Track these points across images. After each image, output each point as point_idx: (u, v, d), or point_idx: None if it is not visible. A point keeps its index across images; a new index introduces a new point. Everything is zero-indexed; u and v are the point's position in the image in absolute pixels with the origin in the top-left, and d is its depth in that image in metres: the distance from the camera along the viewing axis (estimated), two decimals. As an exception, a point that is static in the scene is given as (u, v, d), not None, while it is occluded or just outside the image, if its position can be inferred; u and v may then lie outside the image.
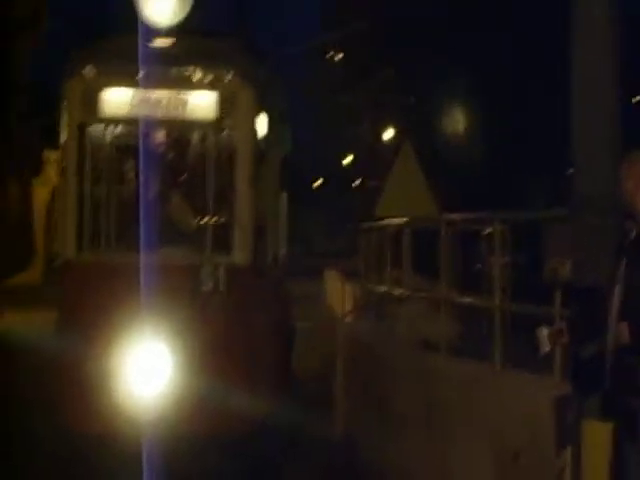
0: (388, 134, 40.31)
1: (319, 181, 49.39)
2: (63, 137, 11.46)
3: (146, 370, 10.45)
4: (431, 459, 10.71)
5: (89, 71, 11.09)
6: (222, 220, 11.14)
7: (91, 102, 11.08)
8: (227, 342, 10.50)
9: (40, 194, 25.44)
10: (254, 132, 11.13)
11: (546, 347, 7.71)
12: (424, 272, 14.01)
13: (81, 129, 11.18)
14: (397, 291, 14.36)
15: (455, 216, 12.98)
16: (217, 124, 11.22)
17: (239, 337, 10.68)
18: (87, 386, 10.44)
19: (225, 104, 11.00)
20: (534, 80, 28.00)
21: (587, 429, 7.44)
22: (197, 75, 10.98)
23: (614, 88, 8.75)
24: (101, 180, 11.51)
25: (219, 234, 11.09)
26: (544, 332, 7.70)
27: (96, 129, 11.37)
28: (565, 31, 9.09)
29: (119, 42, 11.47)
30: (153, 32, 11.17)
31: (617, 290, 6.71)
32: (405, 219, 14.68)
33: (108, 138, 11.56)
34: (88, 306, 10.74)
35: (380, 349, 13.54)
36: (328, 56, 46.39)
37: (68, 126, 11.23)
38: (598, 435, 7.23)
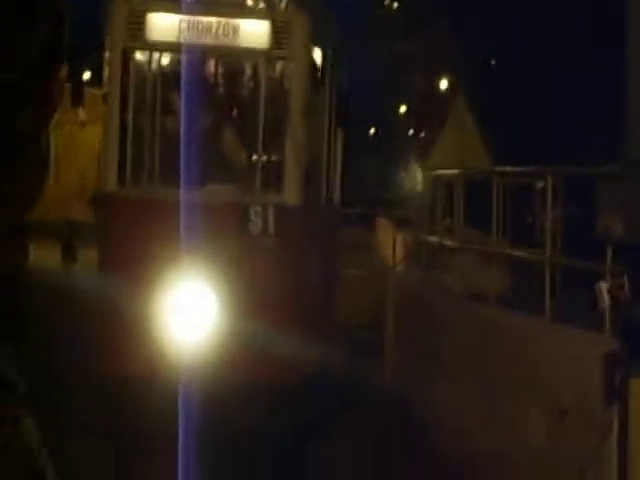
0: (443, 84, 39.87)
1: (374, 129, 48.90)
2: (107, 63, 10.78)
3: (189, 313, 9.87)
4: (480, 412, 10.61)
5: None
6: (273, 157, 10.50)
7: (137, 26, 10.45)
8: (274, 286, 9.85)
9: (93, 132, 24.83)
10: (308, 63, 10.47)
11: (605, 301, 7.73)
12: (476, 224, 13.89)
13: (125, 54, 10.54)
14: (448, 242, 14.24)
15: (508, 169, 13.21)
16: (269, 54, 10.54)
17: (287, 282, 10.05)
18: (127, 327, 9.84)
19: (278, 33, 10.33)
20: (594, 34, 27.09)
21: (635, 388, 7.59)
22: (249, 1, 10.45)
23: None
24: (146, 110, 10.84)
25: (270, 172, 10.45)
26: (604, 286, 7.73)
27: (141, 55, 10.79)
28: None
29: None
30: None
31: None
32: (458, 170, 14.68)
33: (154, 66, 10.92)
34: (129, 244, 10.17)
35: (430, 300, 13.49)
36: (386, 3, 45.78)
37: (112, 51, 10.57)
38: None
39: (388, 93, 46.32)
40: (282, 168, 10.29)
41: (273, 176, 10.35)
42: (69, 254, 18.35)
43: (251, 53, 10.69)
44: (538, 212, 11.82)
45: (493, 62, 36.47)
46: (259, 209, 9.90)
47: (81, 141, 25.50)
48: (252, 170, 10.49)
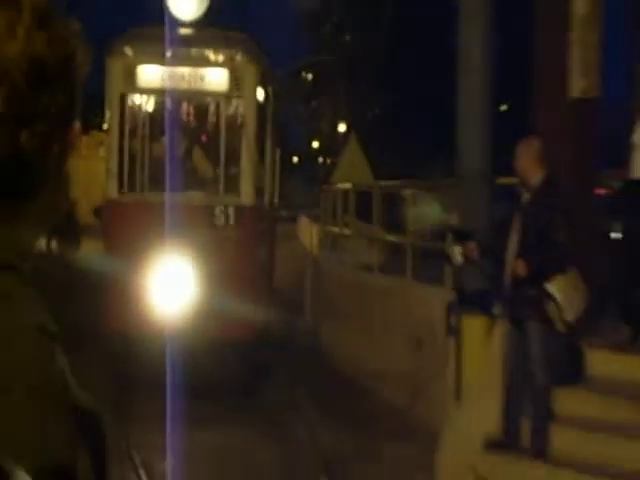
0: (342, 127, 39.71)
1: (297, 158, 49.39)
2: (107, 105, 9.94)
3: (172, 284, 9.09)
4: (364, 344, 10.72)
5: (128, 51, 9.67)
6: (232, 170, 9.69)
7: (130, 76, 9.57)
8: (234, 264, 9.14)
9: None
10: (256, 102, 9.75)
11: (459, 260, 7.31)
12: (363, 219, 14.24)
13: (122, 97, 9.68)
14: (345, 231, 14.72)
15: (383, 183, 14.33)
16: (228, 95, 9.78)
17: (243, 260, 9.36)
18: (126, 296, 9.05)
19: (234, 79, 9.56)
20: (435, 83, 27.14)
21: (466, 325, 7.68)
22: (212, 56, 9.56)
23: (485, 101, 8.80)
24: (138, 138, 9.97)
25: (230, 181, 9.65)
26: (457, 249, 7.28)
27: (133, 97, 9.90)
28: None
29: (151, 30, 9.81)
30: (177, 23, 9.69)
31: (513, 234, 6.36)
32: (351, 185, 15.13)
33: (143, 104, 10.08)
34: (127, 235, 9.29)
35: (333, 270, 13.53)
36: (302, 75, 45.80)
37: (110, 96, 9.71)
38: (474, 328, 7.61)
39: (306, 133, 46.70)
40: (239, 178, 9.54)
41: (232, 184, 9.55)
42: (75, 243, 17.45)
43: (214, 95, 9.91)
44: (402, 211, 11.70)
45: (374, 112, 36.83)
46: (222, 208, 9.20)
47: (80, 169, 24.01)
48: (217, 180, 9.72)
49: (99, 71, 9.37)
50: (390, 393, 9.33)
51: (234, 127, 9.78)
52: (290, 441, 8.23)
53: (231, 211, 9.21)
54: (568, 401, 6.48)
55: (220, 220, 9.10)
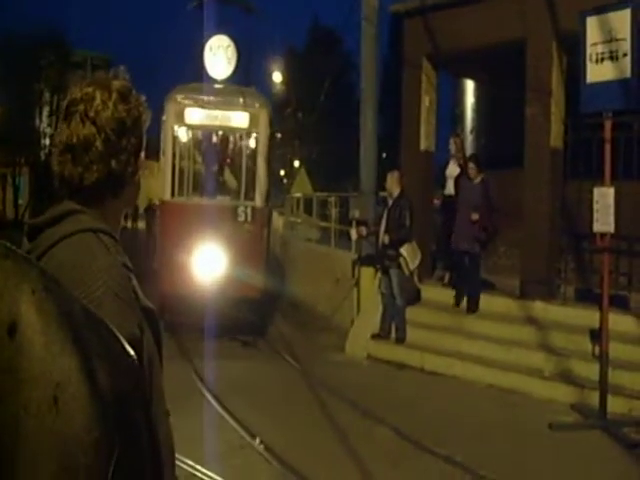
0: (296, 163, 39.29)
1: None
2: (163, 135, 8.69)
3: (208, 260, 7.96)
4: (306, 286, 10.69)
5: (179, 98, 8.41)
6: (250, 182, 8.49)
7: (179, 114, 8.40)
8: (251, 245, 8.10)
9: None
10: (268, 136, 8.51)
11: (354, 236, 8.20)
12: (308, 214, 14.48)
13: (173, 130, 8.47)
14: (298, 220, 14.86)
15: (319, 194, 14.44)
16: (249, 131, 8.54)
17: (257, 243, 8.27)
18: (177, 268, 8.00)
19: (253, 120, 8.36)
20: (349, 140, 27.15)
21: (363, 272, 8.14)
22: (237, 103, 8.31)
23: (374, 150, 8.85)
24: (184, 159, 8.76)
25: (248, 190, 8.42)
26: (353, 231, 8.19)
27: (181, 131, 8.61)
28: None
29: (194, 85, 8.71)
30: (212, 80, 8.66)
31: (383, 221, 7.23)
32: (301, 194, 15.26)
33: (189, 136, 8.82)
34: (177, 227, 8.20)
35: (290, 242, 13.50)
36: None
37: (166, 128, 8.49)
38: (365, 274, 8.14)
39: (275, 166, 46.41)
40: (254, 188, 8.38)
41: (250, 192, 8.35)
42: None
43: (239, 130, 8.62)
44: (331, 209, 11.79)
45: (313, 154, 36.78)
46: (243, 208, 8.04)
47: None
48: (239, 189, 8.50)
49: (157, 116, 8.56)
50: (322, 308, 9.39)
51: (252, 154, 8.51)
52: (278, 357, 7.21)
53: (249, 210, 8.09)
54: (413, 312, 7.33)
55: (242, 217, 7.94)
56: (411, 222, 7.02)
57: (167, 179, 8.35)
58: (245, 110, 8.22)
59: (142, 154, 1.13)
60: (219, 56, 8.56)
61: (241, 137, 8.66)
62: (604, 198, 5.18)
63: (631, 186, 6.42)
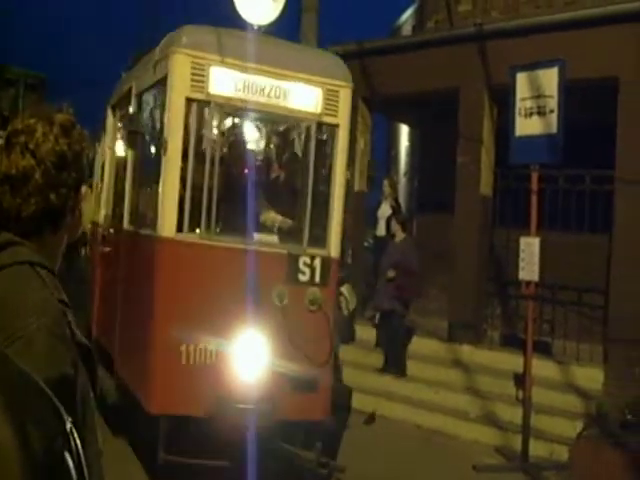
0: None
1: None
2: (167, 114, 3.91)
3: (241, 356, 3.95)
4: None
5: (190, 47, 3.87)
6: (318, 216, 4.34)
7: (190, 81, 3.87)
8: (319, 328, 4.20)
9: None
10: (348, 133, 4.39)
11: None
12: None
13: (180, 110, 3.87)
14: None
15: None
16: (320, 120, 4.27)
17: (325, 329, 4.25)
18: (182, 366, 3.88)
19: (330, 102, 4.25)
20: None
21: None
22: (305, 67, 4.26)
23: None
24: (201, 165, 4.03)
25: (315, 226, 4.34)
26: None
27: (195, 111, 3.96)
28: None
29: (223, 30, 4.11)
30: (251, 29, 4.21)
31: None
32: None
33: (209, 122, 4.05)
34: (181, 285, 3.92)
35: None
36: None
37: (173, 102, 3.84)
38: None
39: None
40: (327, 224, 4.33)
41: (319, 230, 4.34)
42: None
43: (303, 118, 4.29)
44: None
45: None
46: (308, 260, 4.14)
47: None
48: (300, 225, 4.35)
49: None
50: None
51: (322, 160, 4.40)
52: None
53: (317, 263, 4.15)
54: (343, 350, 6.89)
55: (305, 274, 4.09)
56: (352, 261, 6.68)
57: (169, 197, 4.02)
58: (317, 83, 4.27)
59: (83, 188, 1.11)
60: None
61: (307, 131, 4.34)
62: (530, 247, 5.32)
63: (556, 236, 6.65)
